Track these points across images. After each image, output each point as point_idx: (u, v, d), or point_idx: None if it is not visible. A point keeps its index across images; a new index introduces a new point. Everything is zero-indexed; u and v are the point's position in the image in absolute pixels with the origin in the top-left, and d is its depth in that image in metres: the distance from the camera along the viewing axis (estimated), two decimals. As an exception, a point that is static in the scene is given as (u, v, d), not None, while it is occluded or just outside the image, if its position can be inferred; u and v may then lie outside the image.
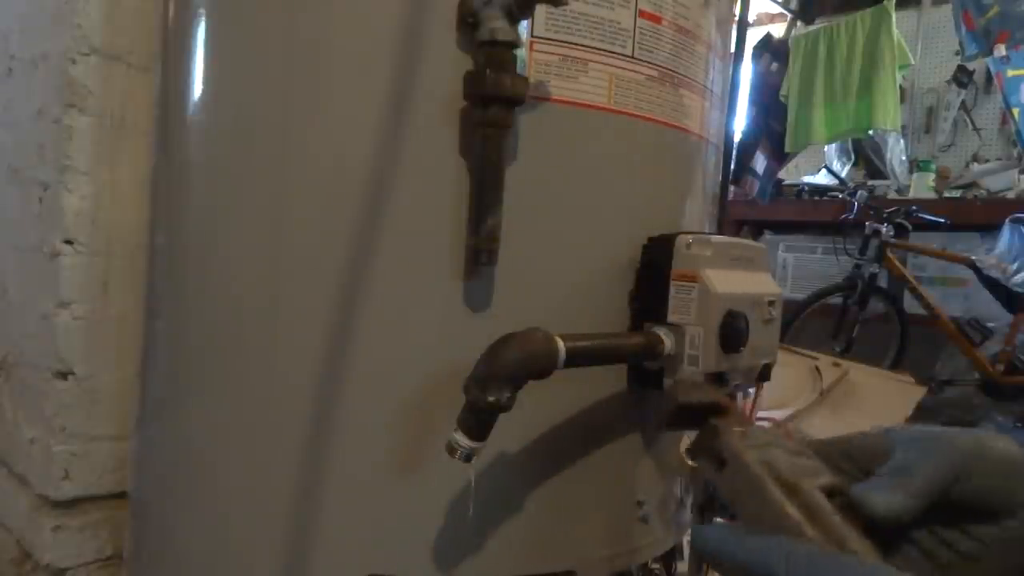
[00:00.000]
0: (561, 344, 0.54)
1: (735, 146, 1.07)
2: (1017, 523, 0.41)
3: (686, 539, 0.97)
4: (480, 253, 0.60)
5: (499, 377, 0.52)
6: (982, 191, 3.53)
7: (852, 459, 0.45)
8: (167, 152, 0.76)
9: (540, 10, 0.61)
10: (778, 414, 2.27)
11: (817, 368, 2.49)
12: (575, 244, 0.66)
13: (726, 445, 0.45)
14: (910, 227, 3.09)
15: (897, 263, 3.09)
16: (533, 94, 0.61)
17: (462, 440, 0.53)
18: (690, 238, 0.65)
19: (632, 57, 0.67)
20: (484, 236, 0.60)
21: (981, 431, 0.42)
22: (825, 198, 3.79)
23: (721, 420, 0.47)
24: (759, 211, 3.70)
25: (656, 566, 0.85)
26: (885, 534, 0.41)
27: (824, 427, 2.36)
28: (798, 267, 3.80)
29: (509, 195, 0.61)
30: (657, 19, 0.68)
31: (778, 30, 3.73)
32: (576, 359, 0.56)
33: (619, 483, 0.72)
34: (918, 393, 2.52)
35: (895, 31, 3.07)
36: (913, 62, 3.32)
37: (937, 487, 0.40)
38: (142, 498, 0.80)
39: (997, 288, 2.92)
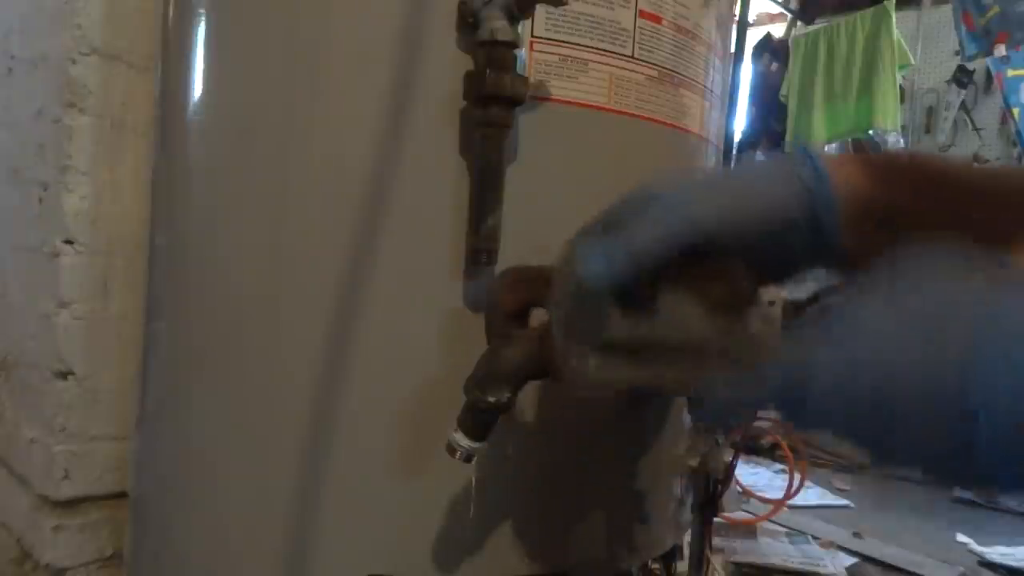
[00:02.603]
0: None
1: (735, 146, 1.07)
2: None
3: (686, 539, 0.97)
4: (480, 253, 0.60)
5: (499, 377, 0.52)
6: (982, 191, 3.53)
7: None
8: (167, 152, 0.76)
9: (540, 10, 0.61)
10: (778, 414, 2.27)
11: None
12: (575, 244, 0.66)
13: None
14: (910, 227, 3.09)
15: (897, 263, 3.09)
16: (533, 94, 0.61)
17: (462, 440, 0.53)
18: (690, 238, 0.65)
19: (632, 57, 0.67)
20: (484, 236, 0.60)
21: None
22: (825, 198, 3.78)
23: None
24: (759, 211, 3.70)
25: (656, 566, 0.85)
26: None
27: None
28: (798, 267, 3.79)
29: (509, 195, 0.61)
30: (657, 19, 0.68)
31: (778, 30, 3.73)
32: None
33: (619, 483, 0.72)
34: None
35: (895, 31, 3.07)
36: (913, 62, 3.32)
37: (657, 255, 0.39)
38: (142, 498, 0.80)
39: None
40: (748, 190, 0.40)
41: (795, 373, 0.33)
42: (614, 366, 0.43)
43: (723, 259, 0.40)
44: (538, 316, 0.51)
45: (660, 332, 0.41)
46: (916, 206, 0.39)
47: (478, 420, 0.53)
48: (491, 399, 0.52)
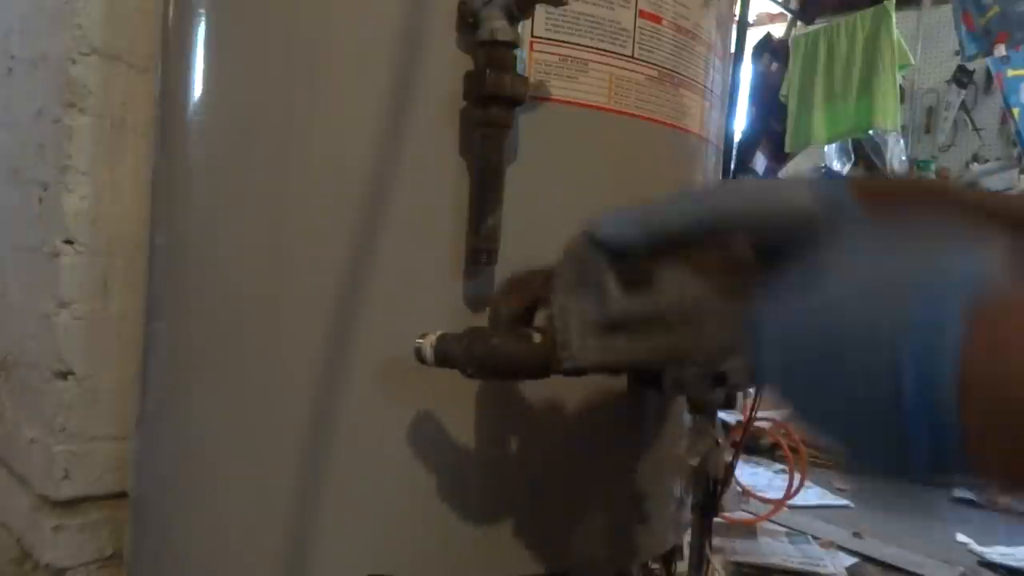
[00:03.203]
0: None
1: (735, 146, 1.07)
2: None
3: (686, 539, 0.97)
4: (480, 253, 0.60)
5: (499, 371, 0.52)
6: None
7: None
8: (167, 152, 0.76)
9: (540, 10, 0.61)
10: (778, 414, 2.27)
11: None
12: (575, 244, 0.66)
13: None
14: (910, 227, 3.09)
15: (897, 263, 3.09)
16: (533, 94, 0.61)
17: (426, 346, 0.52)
18: (690, 238, 0.65)
19: (632, 57, 0.67)
20: (484, 236, 0.60)
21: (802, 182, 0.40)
22: (825, 198, 3.77)
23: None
24: (759, 211, 3.70)
25: (656, 566, 0.85)
26: None
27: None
28: (798, 267, 3.78)
29: (509, 195, 0.61)
30: (657, 19, 0.68)
31: (778, 30, 3.73)
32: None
33: (619, 483, 0.72)
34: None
35: (895, 31, 3.07)
36: (913, 62, 3.32)
37: (675, 231, 0.40)
38: (142, 498, 0.80)
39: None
40: (770, 187, 0.41)
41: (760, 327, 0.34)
42: (615, 345, 0.44)
43: (724, 240, 0.40)
44: (539, 319, 0.51)
45: (659, 304, 0.42)
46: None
47: None
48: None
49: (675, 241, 0.41)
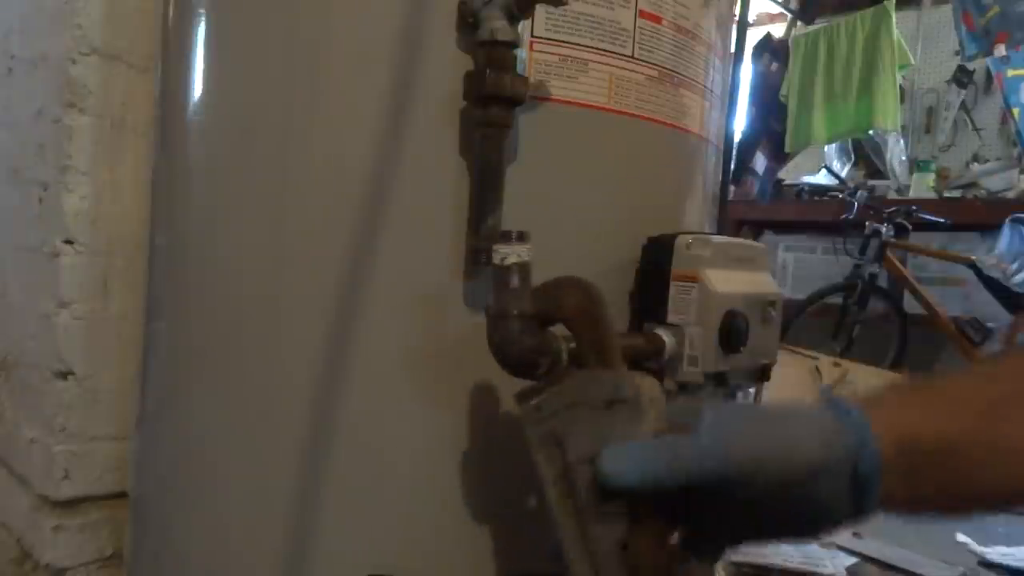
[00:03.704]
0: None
1: (735, 146, 1.07)
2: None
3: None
4: (480, 253, 0.60)
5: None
6: (982, 191, 3.53)
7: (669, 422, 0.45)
8: (167, 152, 0.76)
9: (540, 10, 0.61)
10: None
11: (817, 368, 2.49)
12: (575, 244, 0.66)
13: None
14: (910, 227, 3.09)
15: (897, 263, 3.09)
16: (533, 94, 0.61)
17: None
18: (690, 238, 0.65)
19: (632, 57, 0.67)
20: (484, 236, 0.60)
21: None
22: (825, 198, 3.78)
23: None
24: (759, 211, 3.70)
25: (656, 566, 0.84)
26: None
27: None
28: (798, 267, 3.79)
29: (509, 195, 0.61)
30: (657, 19, 0.68)
31: (778, 30, 3.73)
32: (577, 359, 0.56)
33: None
34: (918, 393, 2.51)
35: (895, 31, 3.07)
36: (913, 62, 3.32)
37: (677, 481, 0.41)
38: (142, 498, 0.80)
39: (997, 288, 2.92)
40: (792, 441, 0.42)
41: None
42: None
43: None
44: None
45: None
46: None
47: None
48: None
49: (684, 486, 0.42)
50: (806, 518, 0.42)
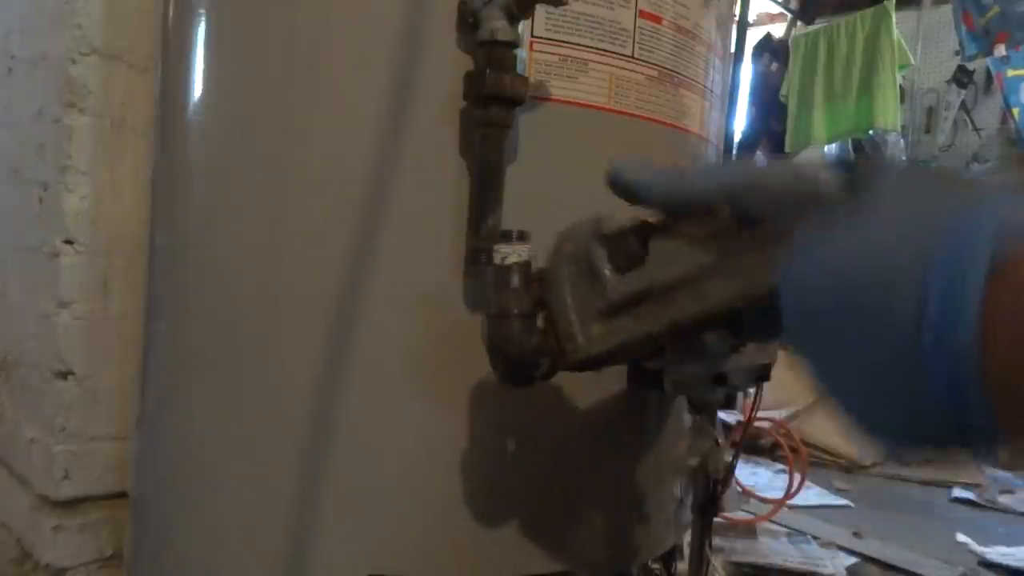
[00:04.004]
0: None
1: (735, 146, 1.07)
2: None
3: (686, 539, 0.97)
4: (480, 253, 0.60)
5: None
6: (982, 191, 3.53)
7: None
8: (167, 152, 0.76)
9: (540, 10, 0.61)
10: (778, 414, 2.28)
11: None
12: (575, 244, 0.66)
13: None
14: (910, 227, 3.09)
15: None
16: (533, 94, 0.61)
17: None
18: (690, 238, 0.65)
19: (632, 57, 0.67)
20: (484, 236, 0.60)
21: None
22: (825, 198, 3.77)
23: None
24: (759, 211, 3.70)
25: (656, 566, 0.85)
26: None
27: (825, 427, 2.36)
28: (798, 267, 3.78)
29: (509, 195, 0.61)
30: (657, 19, 0.68)
31: (778, 30, 3.73)
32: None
33: (619, 483, 0.72)
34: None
35: (895, 31, 3.07)
36: (913, 62, 3.32)
37: (690, 195, 0.41)
38: (142, 498, 0.80)
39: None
40: (798, 168, 0.40)
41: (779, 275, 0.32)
42: (619, 327, 0.44)
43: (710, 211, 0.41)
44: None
45: (656, 276, 0.42)
46: None
47: None
48: None
49: (687, 206, 0.41)
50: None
